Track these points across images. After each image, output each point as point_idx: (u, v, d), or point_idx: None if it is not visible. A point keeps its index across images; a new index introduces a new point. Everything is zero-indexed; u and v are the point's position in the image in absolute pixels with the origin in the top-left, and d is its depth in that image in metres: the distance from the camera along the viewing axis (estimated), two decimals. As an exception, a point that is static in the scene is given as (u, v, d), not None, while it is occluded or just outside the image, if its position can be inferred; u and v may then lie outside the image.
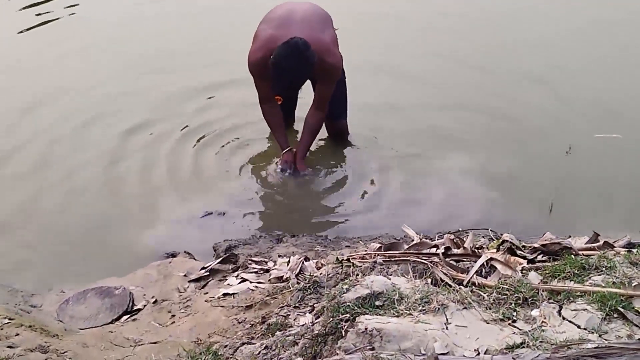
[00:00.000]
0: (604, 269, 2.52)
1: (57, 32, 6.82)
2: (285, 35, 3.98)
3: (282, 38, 3.97)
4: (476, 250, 2.89)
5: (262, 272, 3.52)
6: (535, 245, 2.85)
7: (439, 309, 2.32)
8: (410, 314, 2.31)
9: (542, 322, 2.26)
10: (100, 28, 6.79)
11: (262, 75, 4.15)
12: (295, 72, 4.01)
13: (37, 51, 6.42)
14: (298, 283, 3.04)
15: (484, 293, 2.44)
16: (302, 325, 2.54)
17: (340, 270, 2.84)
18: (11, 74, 6.00)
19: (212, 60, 6.04)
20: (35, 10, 7.25)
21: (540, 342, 2.13)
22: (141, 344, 2.98)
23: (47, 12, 7.18)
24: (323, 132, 4.79)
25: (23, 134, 5.14)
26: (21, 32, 6.81)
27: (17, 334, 2.95)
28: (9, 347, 2.83)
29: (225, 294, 3.33)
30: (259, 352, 2.48)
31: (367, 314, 2.32)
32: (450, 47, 6.27)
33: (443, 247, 2.87)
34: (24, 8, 7.28)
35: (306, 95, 4.60)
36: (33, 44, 6.60)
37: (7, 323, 3.04)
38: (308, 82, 4.41)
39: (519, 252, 2.78)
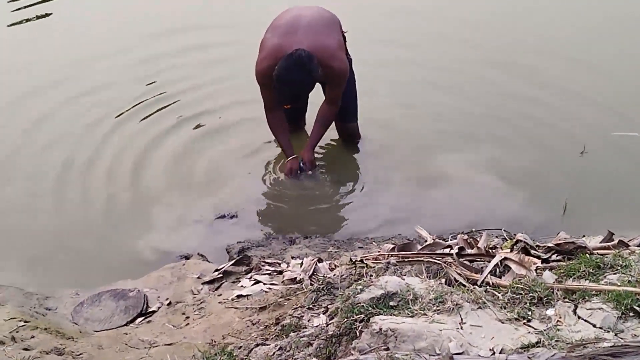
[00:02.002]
0: (619, 267, 2.52)
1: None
2: (291, 43, 3.99)
3: (288, 47, 3.97)
4: (490, 250, 2.88)
5: (275, 273, 3.51)
6: (550, 244, 2.85)
7: (453, 308, 2.32)
8: (425, 314, 2.30)
9: (558, 321, 2.25)
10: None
11: (268, 85, 4.14)
12: (299, 84, 4.02)
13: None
14: (312, 284, 3.03)
15: (499, 293, 2.44)
16: (317, 326, 2.53)
17: (354, 271, 2.84)
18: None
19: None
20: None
21: (556, 341, 2.13)
22: (156, 346, 2.98)
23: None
24: (335, 135, 4.80)
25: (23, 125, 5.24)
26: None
27: (33, 337, 2.97)
28: (25, 349, 2.85)
29: (239, 296, 3.32)
30: (274, 353, 2.48)
31: (382, 314, 2.32)
32: (463, 45, 6.26)
33: (457, 247, 2.87)
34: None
35: (316, 99, 4.59)
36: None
37: (23, 326, 3.05)
38: (318, 86, 4.39)
39: (533, 251, 2.78)
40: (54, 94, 5.59)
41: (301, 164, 4.52)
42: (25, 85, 5.70)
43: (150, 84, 5.76)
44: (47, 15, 6.91)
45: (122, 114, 5.37)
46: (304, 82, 4.03)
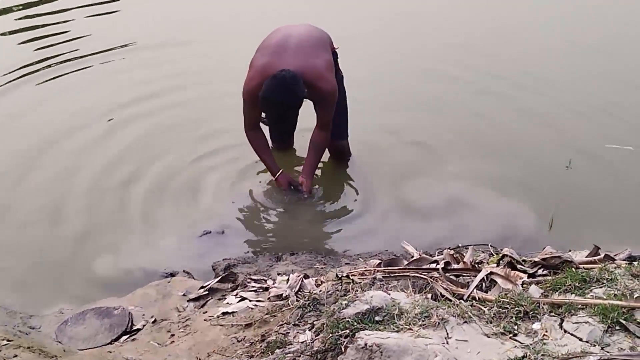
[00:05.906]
0: (605, 281, 2.52)
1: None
2: (279, 63, 3.98)
3: (275, 66, 3.97)
4: (476, 265, 2.88)
5: (261, 290, 3.50)
6: (536, 259, 2.85)
7: (439, 323, 2.32)
8: (410, 329, 2.30)
9: (544, 335, 2.25)
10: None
11: (255, 104, 4.13)
12: (284, 105, 4.01)
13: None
14: (297, 300, 3.02)
15: (485, 307, 2.44)
16: (302, 342, 2.52)
17: (340, 286, 2.83)
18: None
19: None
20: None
21: (542, 355, 2.12)
22: (140, 364, 2.96)
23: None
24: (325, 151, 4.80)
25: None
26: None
27: (16, 355, 2.93)
28: (8, 368, 2.82)
29: (224, 313, 3.30)
30: (259, 370, 2.47)
31: (367, 329, 2.31)
32: (449, 58, 6.32)
33: (443, 262, 2.87)
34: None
35: (306, 117, 4.59)
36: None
37: (6, 344, 3.01)
38: (309, 104, 4.39)
39: (519, 266, 2.77)
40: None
41: (293, 186, 4.52)
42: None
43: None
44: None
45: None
46: (289, 103, 4.01)
